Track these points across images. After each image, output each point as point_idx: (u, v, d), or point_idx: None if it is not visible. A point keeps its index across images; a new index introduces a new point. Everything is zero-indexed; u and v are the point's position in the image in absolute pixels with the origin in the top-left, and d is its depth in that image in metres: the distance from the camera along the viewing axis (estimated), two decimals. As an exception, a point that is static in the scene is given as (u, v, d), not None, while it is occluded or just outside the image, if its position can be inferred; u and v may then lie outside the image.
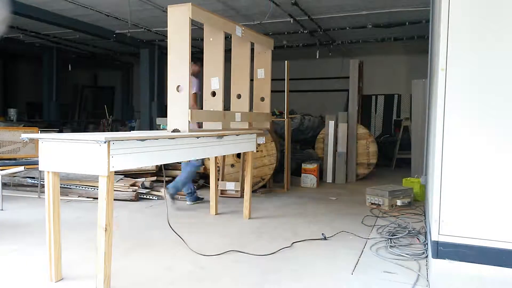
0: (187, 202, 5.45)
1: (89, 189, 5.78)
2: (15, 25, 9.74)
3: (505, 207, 2.49)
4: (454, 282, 2.57)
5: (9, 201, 5.41)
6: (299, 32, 9.61)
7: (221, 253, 3.44)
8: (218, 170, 5.75)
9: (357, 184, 7.31)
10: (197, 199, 5.49)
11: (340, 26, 9.31)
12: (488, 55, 2.51)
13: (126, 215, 4.85)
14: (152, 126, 11.34)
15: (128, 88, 16.22)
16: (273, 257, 3.40)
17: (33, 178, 6.11)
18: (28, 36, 11.08)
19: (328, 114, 8.00)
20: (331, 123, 7.70)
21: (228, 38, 4.21)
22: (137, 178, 6.08)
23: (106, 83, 16.74)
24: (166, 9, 3.60)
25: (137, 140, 2.83)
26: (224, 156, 5.98)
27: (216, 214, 4.91)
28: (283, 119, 7.00)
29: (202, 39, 4.04)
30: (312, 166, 6.99)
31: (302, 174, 7.03)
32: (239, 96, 4.58)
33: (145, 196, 5.69)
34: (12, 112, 12.01)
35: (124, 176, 6.01)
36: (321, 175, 7.43)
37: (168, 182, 5.91)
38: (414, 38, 9.80)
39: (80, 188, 5.82)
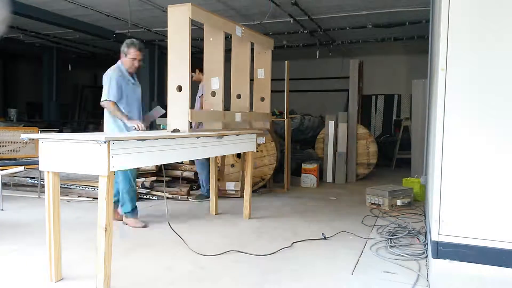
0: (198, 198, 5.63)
1: (89, 189, 5.78)
2: (15, 25, 9.74)
3: (505, 207, 2.49)
4: (454, 282, 2.57)
5: (9, 201, 5.41)
6: (299, 32, 9.61)
7: (221, 253, 3.44)
8: (218, 170, 5.75)
9: (357, 184, 7.31)
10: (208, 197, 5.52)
11: (340, 26, 9.31)
12: (488, 55, 2.51)
13: (126, 215, 4.85)
14: (152, 126, 11.32)
15: (128, 88, 16.19)
16: (273, 257, 3.40)
17: (33, 178, 6.11)
18: (28, 36, 11.08)
19: (328, 114, 7.99)
20: (331, 123, 7.69)
21: (228, 38, 4.21)
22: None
23: (106, 83, 16.72)
24: (166, 9, 3.59)
25: (137, 140, 2.84)
26: (224, 156, 5.98)
27: (216, 214, 4.91)
28: (283, 119, 6.99)
29: (202, 39, 4.03)
30: (312, 166, 6.99)
31: (302, 174, 7.03)
32: (239, 96, 4.58)
33: (145, 196, 5.69)
34: (12, 112, 12.02)
35: (124, 176, 6.00)
36: (321, 175, 7.43)
37: (168, 182, 5.91)
38: (414, 38, 9.80)
39: (80, 188, 5.82)
